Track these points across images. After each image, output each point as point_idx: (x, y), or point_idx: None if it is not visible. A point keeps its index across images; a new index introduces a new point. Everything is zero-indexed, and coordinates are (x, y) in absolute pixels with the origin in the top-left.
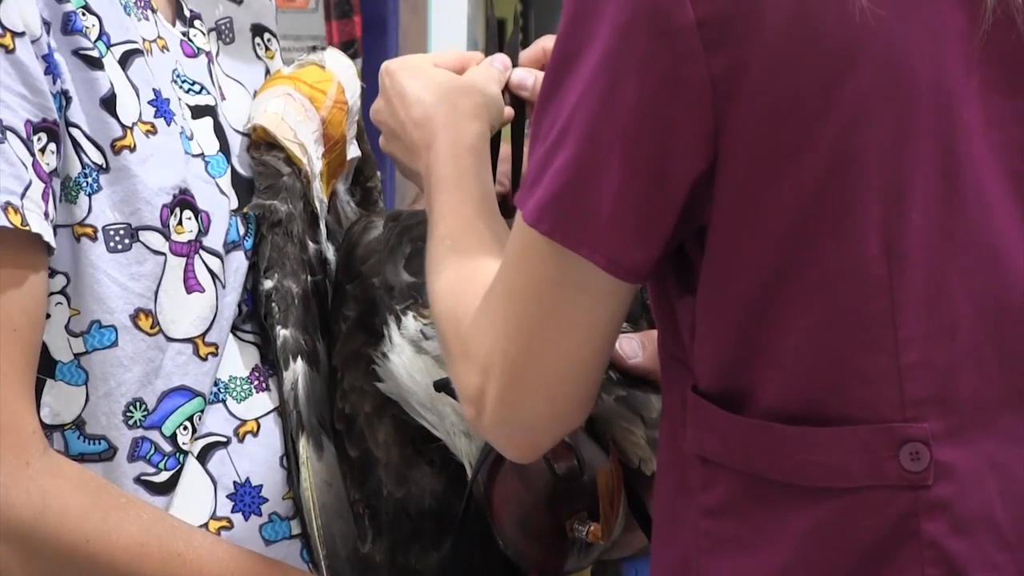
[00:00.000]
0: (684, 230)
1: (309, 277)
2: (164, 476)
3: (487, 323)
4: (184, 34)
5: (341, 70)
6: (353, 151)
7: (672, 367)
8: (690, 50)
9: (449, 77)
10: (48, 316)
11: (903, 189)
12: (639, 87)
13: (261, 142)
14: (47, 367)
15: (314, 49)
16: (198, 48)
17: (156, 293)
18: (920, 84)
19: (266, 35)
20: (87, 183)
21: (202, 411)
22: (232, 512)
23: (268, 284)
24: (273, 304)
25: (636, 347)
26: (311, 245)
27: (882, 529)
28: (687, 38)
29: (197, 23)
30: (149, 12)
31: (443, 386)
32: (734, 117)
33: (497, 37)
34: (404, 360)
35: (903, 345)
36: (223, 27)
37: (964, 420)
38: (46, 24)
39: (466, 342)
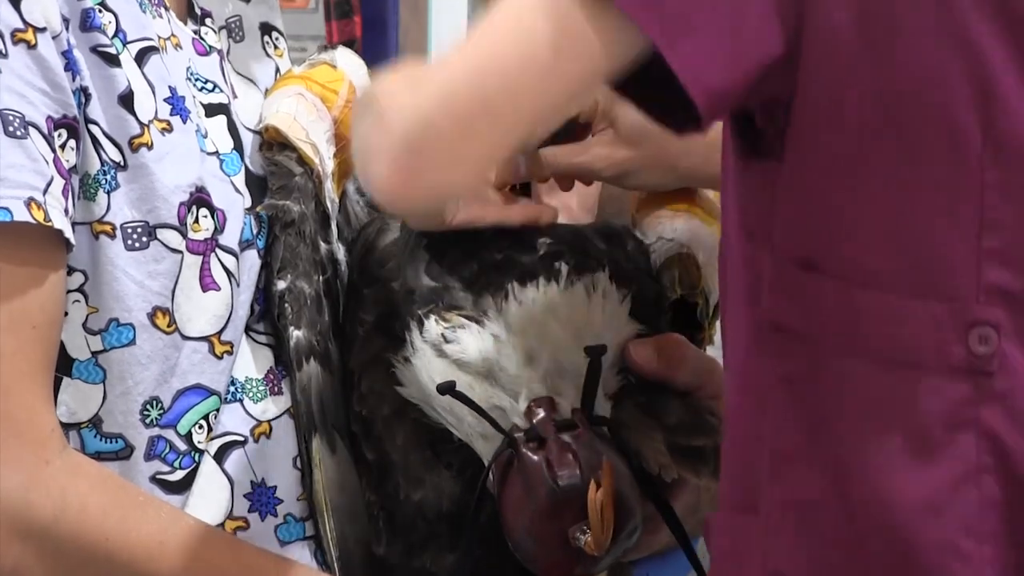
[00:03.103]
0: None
1: (321, 277)
2: (179, 475)
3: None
4: (196, 32)
5: (352, 70)
6: None
7: (750, 246)
8: None
9: None
10: (65, 314)
11: (987, 73)
12: None
13: (273, 142)
14: (64, 365)
15: (326, 48)
16: (210, 46)
17: (173, 291)
18: None
19: (274, 33)
20: (105, 180)
21: (217, 410)
22: (249, 512)
23: (281, 285)
24: (286, 305)
25: (652, 353)
26: (323, 245)
27: (941, 413)
28: None
29: (208, 21)
30: (163, 10)
31: (447, 389)
32: None
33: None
34: (425, 363)
35: (986, 228)
36: (233, 25)
37: None
38: (65, 20)
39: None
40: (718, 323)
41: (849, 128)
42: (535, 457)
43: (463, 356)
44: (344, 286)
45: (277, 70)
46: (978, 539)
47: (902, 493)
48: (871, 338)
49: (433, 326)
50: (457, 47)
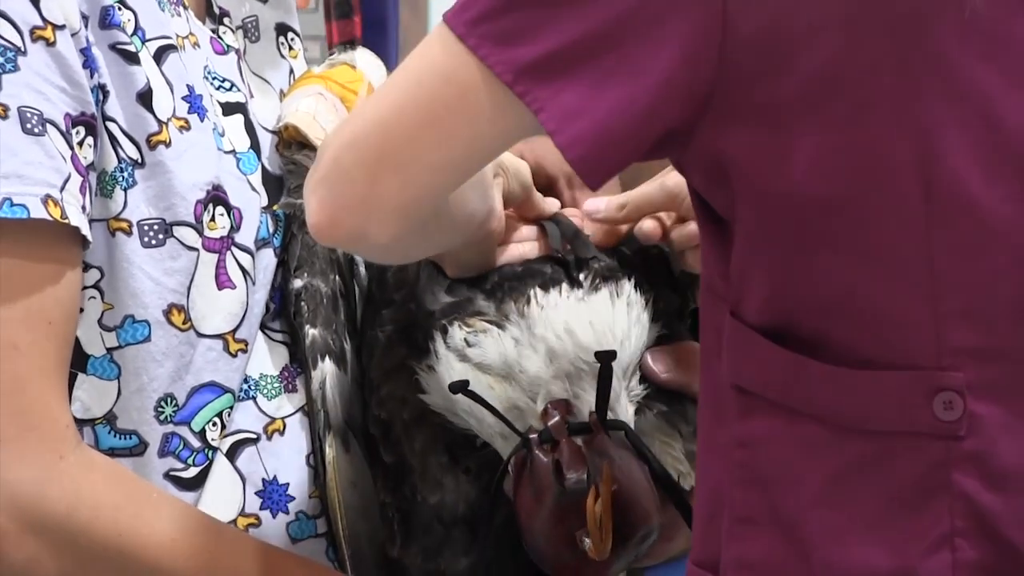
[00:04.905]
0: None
1: (338, 277)
2: (193, 472)
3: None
4: (214, 31)
5: (371, 70)
6: None
7: (712, 300)
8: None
9: None
10: (81, 310)
11: (930, 134)
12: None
13: (292, 141)
14: (79, 361)
15: (346, 48)
16: (228, 45)
17: (189, 289)
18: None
19: (290, 34)
20: (123, 177)
21: (231, 407)
22: (260, 509)
23: (297, 283)
24: (302, 303)
25: (669, 361)
26: None
27: (912, 477)
28: None
29: (226, 20)
30: (181, 8)
31: (459, 387)
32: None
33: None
34: (448, 369)
35: (941, 292)
36: (249, 25)
37: (1002, 373)
38: (84, 18)
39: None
40: None
41: (795, 201)
42: (546, 459)
43: (484, 359)
44: (363, 286)
45: (291, 71)
46: None
47: (870, 560)
48: (834, 407)
49: (457, 332)
50: (371, 95)
